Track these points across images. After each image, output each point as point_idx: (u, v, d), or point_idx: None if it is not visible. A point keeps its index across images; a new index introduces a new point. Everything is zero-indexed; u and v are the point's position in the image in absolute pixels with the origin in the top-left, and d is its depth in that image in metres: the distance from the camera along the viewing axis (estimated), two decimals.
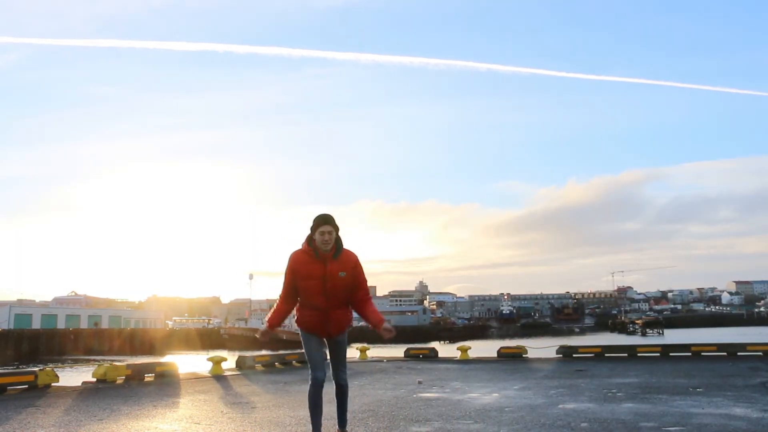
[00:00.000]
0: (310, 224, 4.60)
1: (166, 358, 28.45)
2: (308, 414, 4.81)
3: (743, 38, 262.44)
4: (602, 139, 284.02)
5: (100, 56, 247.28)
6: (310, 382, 4.74)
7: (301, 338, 4.86)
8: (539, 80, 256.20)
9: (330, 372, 4.89)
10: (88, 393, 9.86)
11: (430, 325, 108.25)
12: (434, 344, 41.19)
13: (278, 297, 4.82)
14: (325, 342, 4.89)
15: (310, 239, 4.61)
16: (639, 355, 16.57)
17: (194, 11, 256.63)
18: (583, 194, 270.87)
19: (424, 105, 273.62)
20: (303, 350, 4.87)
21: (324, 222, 4.53)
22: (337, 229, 4.56)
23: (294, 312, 4.85)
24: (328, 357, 4.94)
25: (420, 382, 10.67)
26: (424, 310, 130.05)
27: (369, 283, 4.86)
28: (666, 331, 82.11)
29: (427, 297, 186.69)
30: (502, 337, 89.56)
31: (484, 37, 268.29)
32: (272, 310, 4.82)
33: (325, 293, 4.62)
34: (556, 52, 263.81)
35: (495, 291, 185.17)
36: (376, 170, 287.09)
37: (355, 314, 4.95)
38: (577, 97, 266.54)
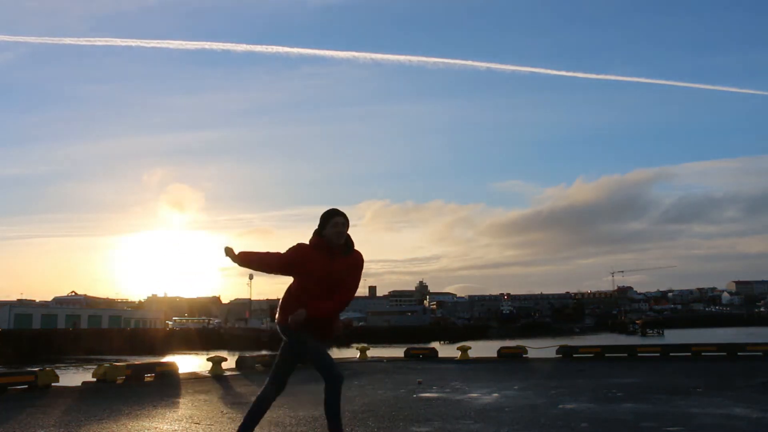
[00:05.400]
0: (320, 219, 4.36)
1: (166, 358, 28.44)
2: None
3: (747, 38, 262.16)
4: (611, 138, 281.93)
5: (96, 55, 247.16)
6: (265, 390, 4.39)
7: (288, 339, 4.39)
8: (543, 80, 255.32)
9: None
10: (88, 393, 9.87)
11: (430, 325, 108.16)
12: (434, 344, 41.23)
13: (273, 254, 4.39)
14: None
15: (319, 233, 4.34)
16: (639, 355, 16.59)
17: (191, 10, 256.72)
18: (589, 194, 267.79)
19: (423, 104, 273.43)
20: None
21: (338, 214, 4.33)
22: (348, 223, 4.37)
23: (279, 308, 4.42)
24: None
25: (420, 382, 10.67)
26: (424, 310, 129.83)
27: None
28: (666, 331, 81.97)
29: (427, 297, 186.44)
30: (502, 337, 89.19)
31: (485, 37, 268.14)
32: (257, 251, 4.43)
33: (329, 290, 4.29)
34: (559, 51, 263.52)
35: (495, 291, 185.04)
36: (381, 170, 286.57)
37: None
38: (584, 96, 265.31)
